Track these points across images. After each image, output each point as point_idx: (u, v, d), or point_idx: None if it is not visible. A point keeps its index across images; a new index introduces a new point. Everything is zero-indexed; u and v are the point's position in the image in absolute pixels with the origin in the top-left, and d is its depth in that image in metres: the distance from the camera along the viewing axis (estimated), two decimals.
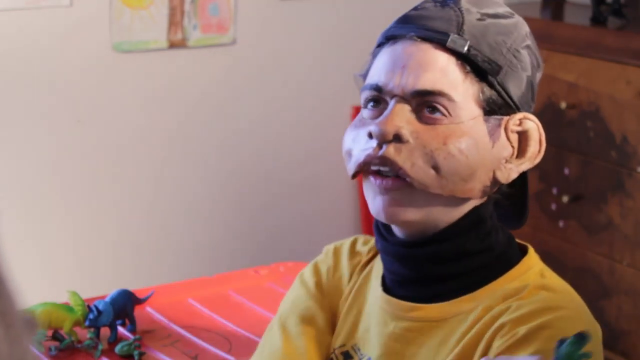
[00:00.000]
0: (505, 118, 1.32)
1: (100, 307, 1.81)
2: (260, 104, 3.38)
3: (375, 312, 1.38)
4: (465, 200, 1.32)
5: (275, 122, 3.41)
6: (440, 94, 1.29)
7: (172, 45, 3.22)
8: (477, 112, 1.31)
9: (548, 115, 3.13)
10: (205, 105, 3.32)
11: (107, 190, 3.23)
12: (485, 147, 1.31)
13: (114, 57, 3.15)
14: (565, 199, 3.07)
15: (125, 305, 1.85)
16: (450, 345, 1.31)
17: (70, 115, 3.14)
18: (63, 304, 1.84)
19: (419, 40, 1.32)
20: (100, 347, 1.78)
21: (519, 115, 1.33)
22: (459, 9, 1.34)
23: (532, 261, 1.37)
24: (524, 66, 1.34)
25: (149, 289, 1.99)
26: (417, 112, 1.30)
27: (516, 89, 1.33)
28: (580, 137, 3.03)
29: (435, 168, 1.28)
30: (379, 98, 1.33)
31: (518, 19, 1.38)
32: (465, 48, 1.31)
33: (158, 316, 1.94)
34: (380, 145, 1.29)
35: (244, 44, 3.32)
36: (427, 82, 1.30)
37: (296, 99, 3.42)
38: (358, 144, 1.33)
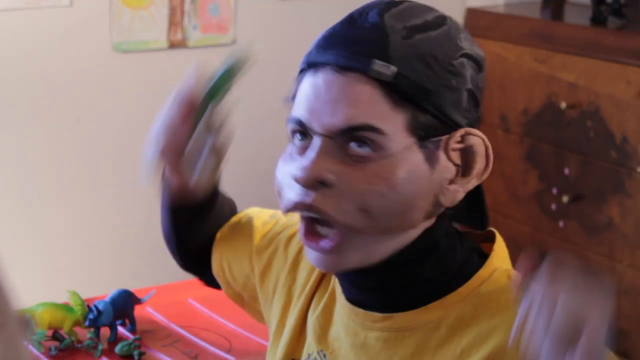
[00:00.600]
0: (444, 138, 1.21)
1: (100, 307, 1.81)
2: (260, 104, 3.37)
3: (344, 322, 1.32)
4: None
5: (275, 122, 3.41)
6: (367, 127, 1.18)
7: (172, 45, 3.22)
8: (410, 140, 1.19)
9: (548, 115, 3.13)
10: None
11: (107, 190, 3.23)
12: (422, 175, 1.20)
13: (114, 57, 3.15)
14: (565, 199, 3.07)
15: (125, 305, 1.85)
16: (427, 357, 1.26)
17: (70, 115, 3.14)
18: (63, 304, 1.84)
19: (339, 69, 1.21)
20: (100, 347, 1.78)
21: (460, 131, 1.22)
22: (382, 27, 1.22)
23: (496, 263, 1.29)
24: (462, 80, 1.23)
25: (149, 289, 1.99)
26: (344, 149, 1.20)
27: (454, 106, 1.22)
28: (580, 137, 3.03)
29: (365, 210, 1.19)
30: (304, 131, 1.23)
31: (449, 24, 1.25)
32: (391, 75, 1.19)
33: (158, 316, 1.94)
34: (306, 191, 1.21)
35: (244, 44, 3.32)
36: (352, 118, 1.18)
37: None
38: (287, 185, 1.26)
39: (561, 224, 3.12)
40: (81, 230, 3.21)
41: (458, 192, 1.24)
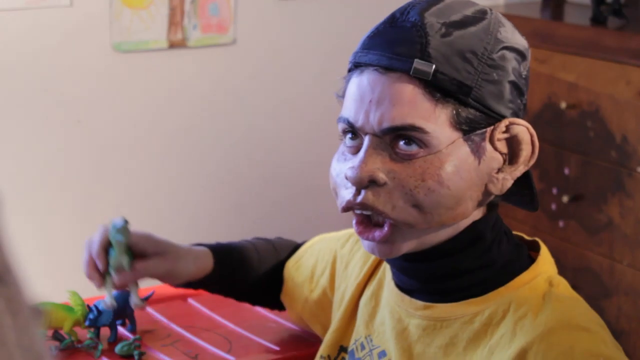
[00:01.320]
0: (489, 130, 1.27)
1: (100, 307, 1.81)
2: (260, 104, 3.37)
3: (390, 307, 1.39)
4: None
5: (275, 122, 3.41)
6: (411, 128, 1.24)
7: (172, 45, 3.22)
8: (455, 135, 1.25)
9: (548, 115, 3.13)
10: (205, 105, 3.32)
11: (107, 190, 3.23)
12: (469, 168, 1.26)
13: (114, 57, 3.15)
14: (565, 199, 3.07)
15: (125, 305, 1.85)
16: (459, 349, 1.30)
17: (70, 116, 3.14)
18: (63, 303, 1.84)
19: (382, 70, 1.27)
20: (100, 347, 1.78)
21: (505, 122, 1.28)
22: (422, 26, 1.26)
23: (541, 268, 1.33)
24: (504, 73, 1.28)
25: (149, 289, 1.99)
26: (393, 146, 1.26)
27: (496, 99, 1.27)
28: (580, 137, 3.03)
29: (417, 206, 1.25)
30: (354, 131, 1.30)
31: (489, 18, 1.30)
32: (431, 74, 1.24)
33: (158, 316, 1.94)
34: (358, 191, 1.27)
35: (244, 44, 3.32)
36: (396, 118, 1.25)
37: (296, 99, 3.42)
38: (341, 183, 1.31)
39: (561, 224, 3.12)
40: (81, 230, 3.21)
41: (507, 180, 1.29)
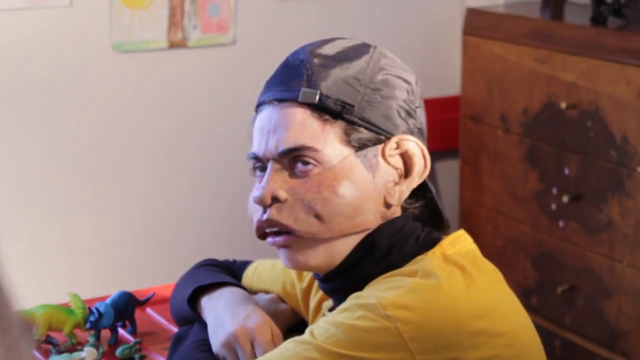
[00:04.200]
0: (380, 147, 1.40)
1: (101, 309, 1.81)
2: None
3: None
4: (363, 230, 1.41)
5: None
6: (303, 148, 1.39)
7: (172, 45, 3.22)
8: (347, 151, 1.39)
9: (548, 115, 3.13)
10: (205, 105, 3.32)
11: (107, 190, 3.23)
12: (364, 181, 1.39)
13: (114, 57, 3.15)
14: (565, 199, 3.07)
15: (126, 307, 1.85)
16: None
17: (70, 115, 3.14)
18: (63, 306, 1.84)
19: (277, 102, 1.42)
20: (100, 349, 1.77)
21: (395, 139, 1.41)
22: (308, 61, 1.42)
23: (428, 261, 1.38)
24: (388, 94, 1.41)
25: (149, 290, 1.99)
26: (291, 168, 1.40)
27: (383, 118, 1.40)
28: (580, 137, 3.03)
29: (317, 216, 1.38)
30: (261, 164, 1.44)
31: (372, 52, 1.44)
32: (317, 98, 1.39)
33: (158, 318, 1.94)
34: (265, 210, 1.41)
35: (244, 44, 3.32)
36: (289, 140, 1.39)
37: None
38: (254, 209, 1.44)
39: (561, 224, 3.12)
40: (81, 230, 3.21)
41: (403, 191, 1.42)
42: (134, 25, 3.15)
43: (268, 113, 1.43)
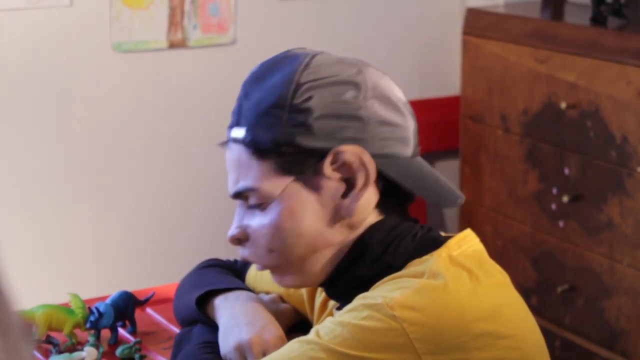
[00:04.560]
0: (317, 166, 1.36)
1: (101, 309, 1.80)
2: None
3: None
4: (336, 242, 1.40)
5: None
6: (244, 190, 1.40)
7: (172, 45, 3.22)
8: (286, 180, 1.37)
9: (548, 115, 3.13)
10: (205, 105, 3.32)
11: (107, 190, 3.23)
12: (311, 202, 1.37)
13: (114, 57, 3.15)
14: (565, 199, 3.07)
15: (126, 307, 1.84)
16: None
17: (70, 115, 3.14)
18: (63, 305, 1.84)
19: (226, 144, 1.43)
20: (100, 349, 1.77)
21: (329, 156, 1.36)
22: (240, 96, 1.43)
23: (434, 262, 1.35)
24: (309, 111, 1.35)
25: (149, 290, 1.99)
26: (247, 204, 1.42)
27: (310, 138, 1.35)
28: (580, 137, 3.03)
29: (272, 251, 1.40)
30: None
31: (291, 66, 1.39)
32: (243, 134, 1.38)
33: (158, 318, 1.94)
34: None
35: (244, 44, 3.32)
36: (232, 185, 1.41)
37: None
38: None
39: (561, 224, 3.12)
40: (81, 230, 3.21)
41: (354, 202, 1.37)
42: (134, 25, 3.15)
43: (226, 153, 1.45)
